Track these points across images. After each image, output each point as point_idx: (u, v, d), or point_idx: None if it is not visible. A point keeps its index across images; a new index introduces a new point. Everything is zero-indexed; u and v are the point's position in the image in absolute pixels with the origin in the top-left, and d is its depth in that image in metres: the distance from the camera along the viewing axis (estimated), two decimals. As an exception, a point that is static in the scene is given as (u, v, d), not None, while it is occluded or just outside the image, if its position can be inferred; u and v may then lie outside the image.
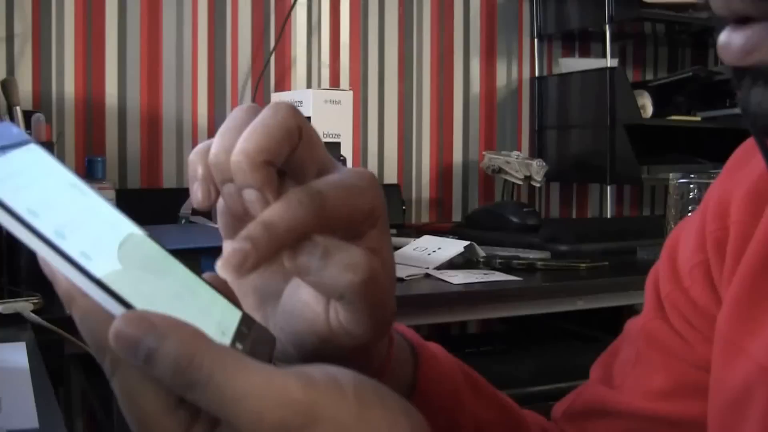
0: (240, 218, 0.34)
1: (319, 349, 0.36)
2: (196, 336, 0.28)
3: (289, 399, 0.27)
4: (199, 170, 0.34)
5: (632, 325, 0.55)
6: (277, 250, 0.32)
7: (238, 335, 0.31)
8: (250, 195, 0.32)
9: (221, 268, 0.31)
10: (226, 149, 0.33)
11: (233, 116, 0.34)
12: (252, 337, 0.32)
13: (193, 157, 0.34)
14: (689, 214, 1.13)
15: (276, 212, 0.32)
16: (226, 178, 0.33)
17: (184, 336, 0.27)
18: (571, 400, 0.56)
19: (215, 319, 0.31)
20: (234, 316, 0.32)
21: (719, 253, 0.47)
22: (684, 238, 0.51)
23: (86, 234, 0.30)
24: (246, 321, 0.32)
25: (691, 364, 0.49)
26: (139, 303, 0.29)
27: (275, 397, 0.27)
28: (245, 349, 0.30)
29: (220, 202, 0.35)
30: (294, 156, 0.33)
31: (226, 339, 0.30)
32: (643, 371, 0.51)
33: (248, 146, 0.32)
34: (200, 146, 0.34)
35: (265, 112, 0.33)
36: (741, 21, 0.32)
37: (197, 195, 0.34)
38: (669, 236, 0.54)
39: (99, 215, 0.32)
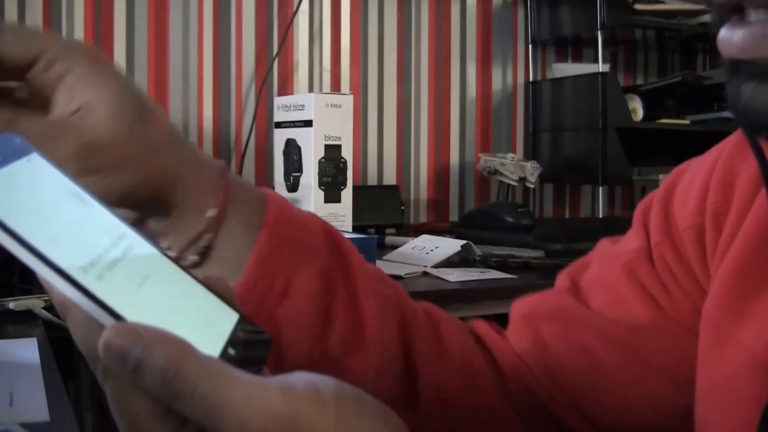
0: None
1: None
2: (182, 347, 0.28)
3: (270, 408, 0.28)
4: None
5: (610, 248, 0.54)
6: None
7: (232, 339, 0.31)
8: None
9: None
10: None
11: None
12: (245, 341, 0.32)
13: None
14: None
15: None
16: None
17: (171, 347, 0.28)
18: (534, 303, 0.56)
19: (210, 322, 0.31)
20: (230, 319, 0.32)
21: (716, 225, 0.47)
22: (682, 189, 0.51)
23: (81, 245, 0.30)
24: (242, 323, 0.32)
25: (669, 314, 0.49)
26: (131, 312, 0.29)
27: (258, 406, 0.28)
28: (237, 354, 0.31)
29: None
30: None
31: (219, 344, 0.31)
32: (620, 301, 0.51)
33: None
34: None
35: None
36: (737, 9, 0.34)
37: None
38: (668, 177, 0.53)
39: (98, 224, 0.32)
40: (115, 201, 0.40)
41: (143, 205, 0.43)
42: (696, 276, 0.48)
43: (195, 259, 0.45)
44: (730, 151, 0.48)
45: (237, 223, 0.45)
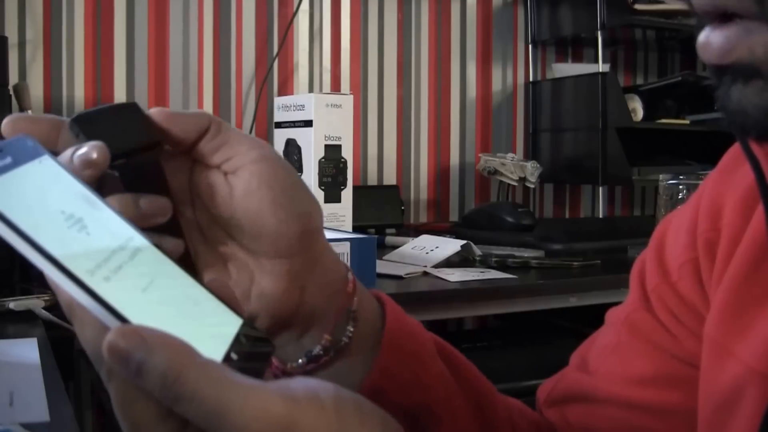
0: None
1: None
2: (184, 351, 0.28)
3: (270, 414, 0.28)
4: None
5: (613, 313, 0.55)
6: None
7: (235, 344, 0.31)
8: None
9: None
10: None
11: None
12: (248, 346, 0.32)
13: None
14: (678, 212, 1.14)
15: None
16: None
17: (172, 351, 0.28)
18: (551, 386, 0.56)
19: (214, 327, 0.32)
20: (234, 325, 0.33)
21: (710, 254, 0.46)
22: (672, 233, 0.50)
23: (89, 247, 0.30)
24: (245, 329, 0.33)
25: (675, 357, 0.49)
26: (136, 316, 0.29)
27: (257, 411, 0.28)
28: (240, 358, 0.31)
29: None
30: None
31: (222, 348, 0.31)
32: (624, 358, 0.51)
33: None
34: None
35: None
36: (723, 18, 0.33)
37: None
38: (656, 229, 0.53)
39: (106, 227, 0.32)
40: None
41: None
42: (699, 312, 0.47)
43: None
44: (714, 183, 0.48)
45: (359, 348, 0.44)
